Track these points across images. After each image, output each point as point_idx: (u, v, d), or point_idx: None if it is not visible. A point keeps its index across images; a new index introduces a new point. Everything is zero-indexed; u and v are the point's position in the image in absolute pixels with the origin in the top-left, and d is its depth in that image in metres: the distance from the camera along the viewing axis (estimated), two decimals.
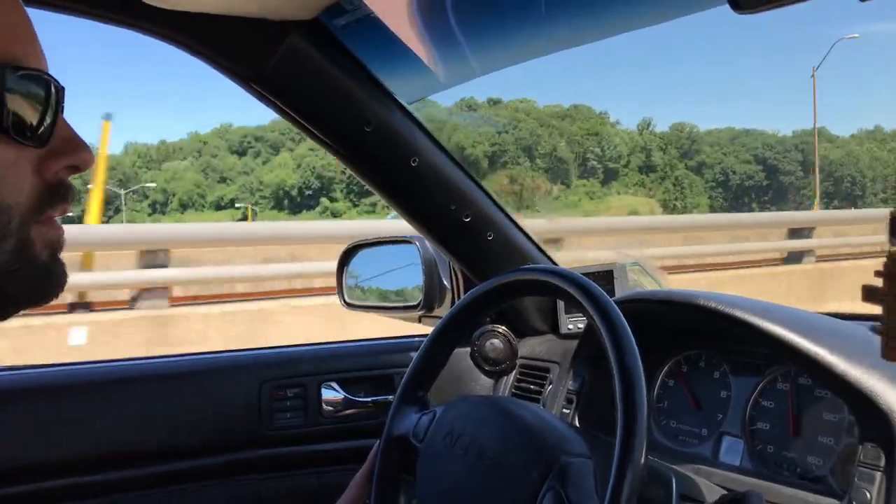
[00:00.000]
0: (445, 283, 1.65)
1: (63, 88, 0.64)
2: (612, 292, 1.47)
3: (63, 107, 0.64)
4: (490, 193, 1.40)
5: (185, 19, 1.03)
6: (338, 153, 1.25)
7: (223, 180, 72.41)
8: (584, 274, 1.49)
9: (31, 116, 0.60)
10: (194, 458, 1.51)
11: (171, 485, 1.49)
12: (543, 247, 1.53)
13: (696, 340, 1.25)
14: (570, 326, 1.53)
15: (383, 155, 1.26)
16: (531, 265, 1.03)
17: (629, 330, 0.80)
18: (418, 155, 1.27)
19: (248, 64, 1.11)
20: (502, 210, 1.43)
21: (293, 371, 1.60)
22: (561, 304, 1.55)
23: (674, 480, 0.91)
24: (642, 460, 0.72)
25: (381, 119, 1.21)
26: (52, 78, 0.63)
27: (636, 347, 0.78)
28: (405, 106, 1.26)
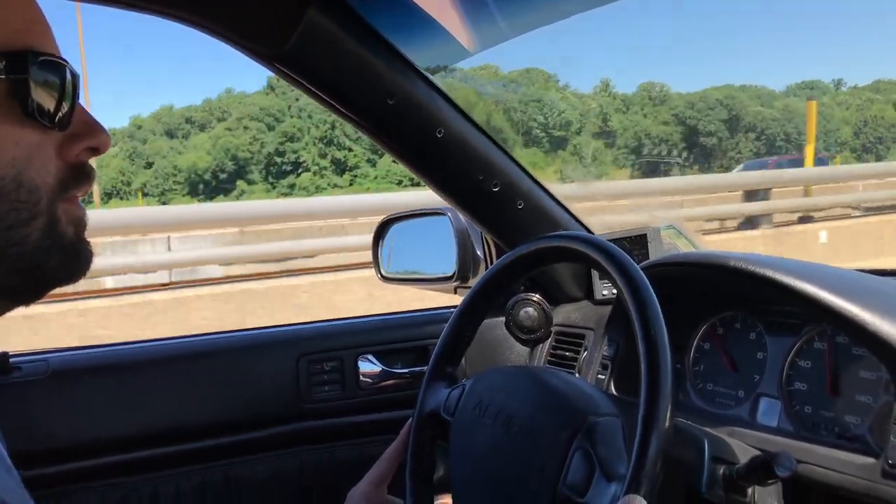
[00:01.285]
0: (479, 253, 1.65)
1: (78, 75, 0.68)
2: (645, 256, 1.46)
3: (79, 92, 0.67)
4: (518, 161, 1.39)
5: (204, 1, 1.04)
6: (362, 127, 1.25)
7: (149, 166, 68.82)
8: (617, 238, 1.50)
9: (53, 101, 0.64)
10: (237, 433, 1.55)
11: (215, 460, 1.53)
12: (575, 213, 1.52)
13: (732, 302, 1.23)
14: (605, 292, 1.52)
15: (408, 127, 1.25)
16: (555, 233, 1.02)
17: (650, 288, 0.79)
18: (443, 125, 1.27)
19: (268, 43, 1.11)
20: (532, 177, 1.42)
21: (329, 345, 1.63)
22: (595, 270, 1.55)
23: (706, 442, 0.91)
24: (668, 415, 0.72)
25: (404, 90, 1.21)
26: (69, 64, 0.66)
27: (658, 306, 0.78)
28: (428, 76, 1.25)
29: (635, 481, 0.70)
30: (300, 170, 59.99)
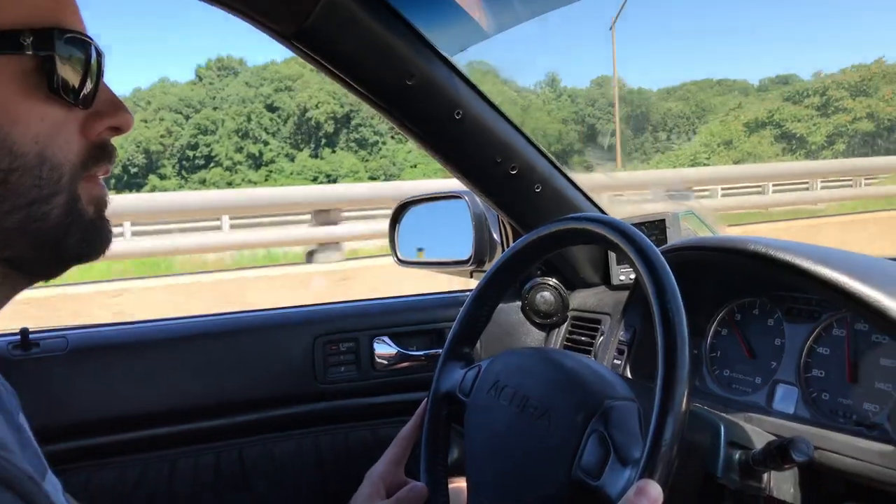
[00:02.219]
0: (495, 237, 1.65)
1: (103, 53, 0.68)
2: (664, 241, 1.45)
3: (104, 70, 0.68)
4: (537, 144, 1.38)
5: None
6: (380, 108, 1.24)
7: None
8: (636, 224, 1.49)
9: (77, 78, 0.64)
10: (253, 412, 1.56)
11: (231, 438, 1.54)
12: (593, 196, 1.51)
13: (750, 288, 1.22)
14: (622, 277, 1.52)
15: (426, 108, 1.25)
16: (573, 214, 1.01)
17: (670, 271, 0.78)
18: (462, 107, 1.26)
19: (287, 21, 1.11)
20: (550, 161, 1.41)
21: (345, 326, 1.63)
22: (613, 255, 1.54)
23: (722, 427, 0.90)
24: (684, 400, 0.71)
25: (423, 72, 1.20)
26: (94, 42, 0.67)
27: (677, 289, 0.77)
28: (447, 57, 1.24)
29: (650, 466, 0.70)
30: (211, 164, 56.26)
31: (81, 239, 0.66)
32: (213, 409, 1.53)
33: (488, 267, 1.60)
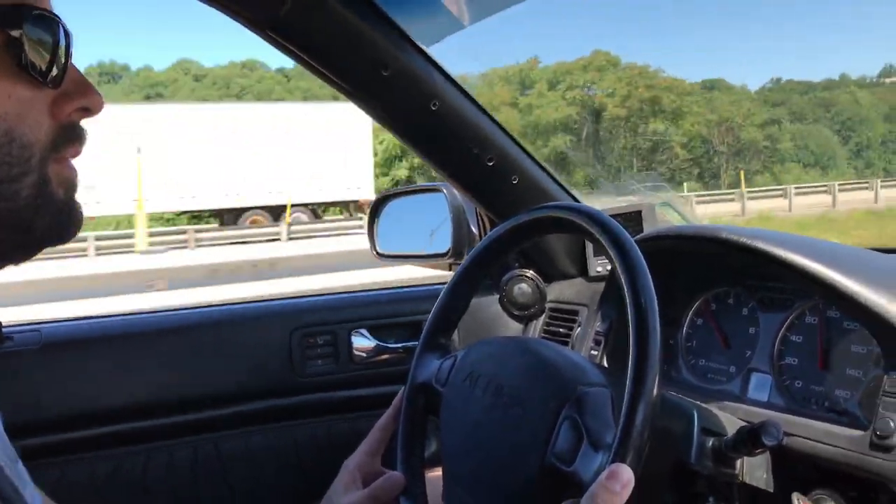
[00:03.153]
0: (474, 230, 1.65)
1: (71, 33, 0.67)
2: (640, 232, 1.46)
3: (72, 52, 0.67)
4: (513, 136, 1.38)
5: None
6: (356, 98, 1.24)
7: None
8: (612, 215, 1.49)
9: (46, 58, 0.63)
10: (230, 406, 1.55)
11: (207, 432, 1.53)
12: (571, 189, 1.52)
13: (724, 277, 1.23)
14: (599, 269, 1.52)
15: (403, 99, 1.25)
16: (547, 203, 1.02)
17: (641, 257, 0.79)
18: (438, 98, 1.26)
19: (261, 10, 1.10)
20: (526, 152, 1.41)
21: (323, 318, 1.63)
22: (590, 247, 1.54)
23: (695, 414, 0.91)
24: (655, 386, 0.72)
25: (399, 62, 1.20)
26: (63, 22, 0.66)
27: (649, 274, 0.77)
28: (423, 48, 1.24)
29: (621, 450, 0.70)
30: None
31: (52, 221, 0.66)
32: (189, 403, 1.52)
33: (466, 256, 1.61)
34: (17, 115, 0.61)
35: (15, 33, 0.60)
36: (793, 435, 0.97)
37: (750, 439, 0.85)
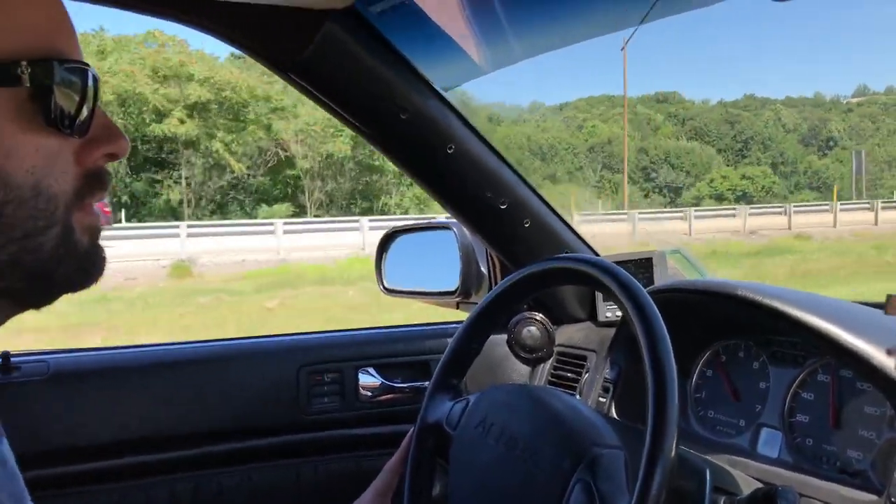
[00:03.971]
0: (483, 269, 1.65)
1: (98, 78, 0.66)
2: (650, 280, 1.46)
3: (100, 97, 0.66)
4: (527, 180, 1.39)
5: (222, 9, 1.04)
6: (374, 140, 1.25)
7: None
8: (622, 262, 1.50)
9: (74, 107, 0.62)
10: (235, 441, 1.54)
11: (210, 467, 1.52)
12: (583, 235, 1.52)
13: (736, 330, 1.23)
14: (609, 314, 1.52)
15: (419, 142, 1.26)
16: (564, 254, 1.02)
17: (661, 319, 0.79)
18: (454, 142, 1.27)
19: (285, 53, 1.11)
20: (540, 197, 1.42)
21: (330, 356, 1.62)
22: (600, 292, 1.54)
23: (708, 473, 0.90)
24: (672, 453, 0.71)
25: (417, 106, 1.21)
26: (91, 68, 0.65)
27: (668, 337, 0.77)
28: (441, 93, 1.25)
29: None
30: None
31: (76, 269, 0.65)
32: (194, 438, 1.51)
33: (475, 298, 1.61)
34: (44, 167, 0.60)
35: (43, 86, 0.59)
36: (805, 496, 0.97)
37: (765, 502, 0.84)
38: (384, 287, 1.86)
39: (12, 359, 1.38)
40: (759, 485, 0.96)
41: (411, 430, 1.08)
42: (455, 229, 1.68)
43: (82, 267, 0.66)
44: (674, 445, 0.72)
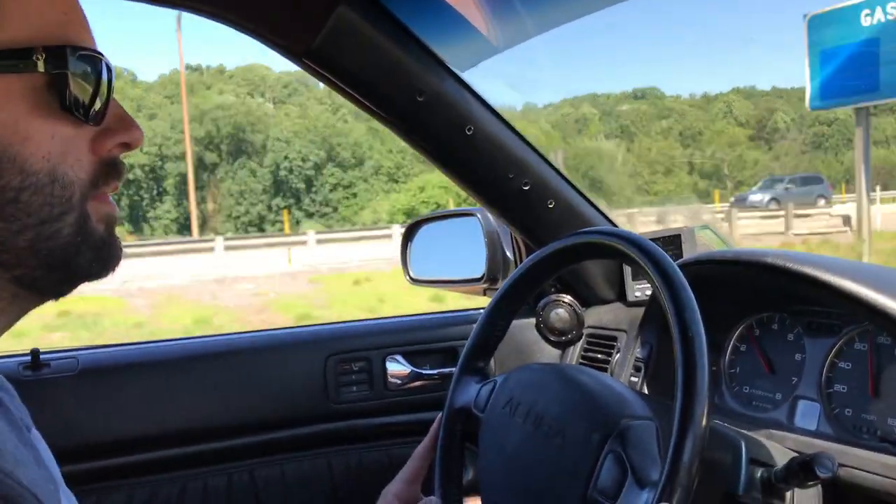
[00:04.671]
0: (508, 254, 1.64)
1: (113, 69, 0.67)
2: (680, 256, 1.43)
3: (114, 86, 0.67)
4: (549, 160, 1.37)
5: None
6: (391, 124, 1.24)
7: None
8: (652, 238, 1.47)
9: (88, 95, 0.63)
10: (265, 433, 1.55)
11: (243, 459, 1.53)
12: (608, 212, 1.50)
13: (769, 302, 1.20)
14: (638, 293, 1.50)
15: (437, 124, 1.24)
16: (588, 228, 1.00)
17: (688, 285, 0.77)
18: (473, 123, 1.25)
19: (298, 39, 1.11)
20: (563, 176, 1.40)
21: (357, 345, 1.62)
22: (628, 271, 1.52)
23: (743, 445, 0.88)
24: (704, 421, 0.69)
25: (434, 88, 1.20)
26: (105, 58, 0.66)
27: (695, 303, 0.75)
28: (457, 73, 1.24)
29: (668, 489, 0.68)
30: None
31: (93, 257, 0.66)
32: (225, 430, 1.52)
33: (502, 284, 1.59)
34: (59, 154, 0.61)
35: (58, 73, 0.60)
36: (844, 466, 0.94)
37: (802, 471, 0.81)
38: (410, 277, 1.85)
39: (42, 355, 1.40)
40: (797, 455, 0.94)
41: (439, 415, 1.07)
42: (479, 215, 1.67)
43: (99, 256, 0.66)
44: (705, 413, 0.70)
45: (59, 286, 0.67)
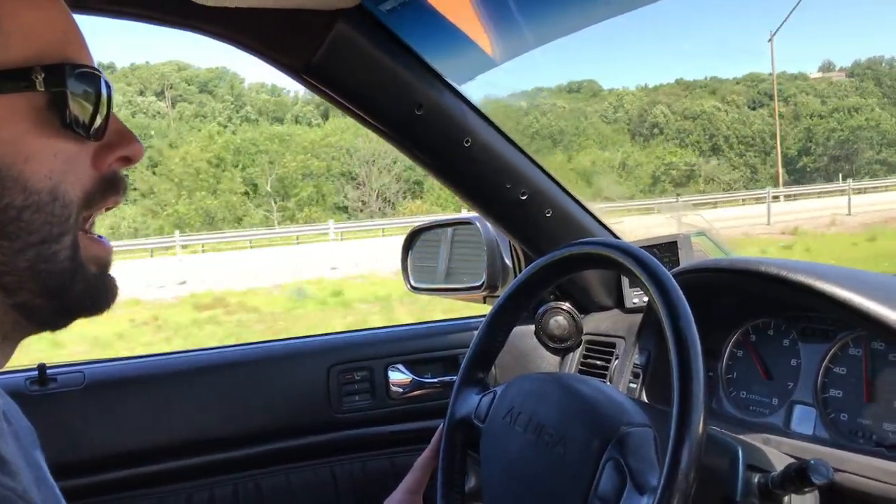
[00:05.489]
0: (507, 262, 1.65)
1: (111, 85, 0.68)
2: (676, 263, 1.45)
3: (113, 102, 0.68)
4: (546, 170, 1.39)
5: (234, 16, 1.05)
6: (390, 138, 1.26)
7: None
8: (647, 246, 1.49)
9: (89, 112, 0.64)
10: (269, 443, 1.56)
11: (248, 469, 1.54)
12: (604, 221, 1.51)
13: (764, 308, 1.21)
14: (636, 300, 1.51)
15: (436, 137, 1.26)
16: (584, 239, 1.02)
17: (682, 293, 0.78)
18: (471, 135, 1.27)
19: (297, 56, 1.12)
20: (560, 186, 1.42)
21: (359, 354, 1.64)
22: (626, 278, 1.54)
23: (740, 451, 0.89)
24: (700, 427, 0.71)
25: (432, 101, 1.21)
26: (103, 75, 0.67)
27: (690, 312, 0.77)
28: (455, 87, 1.25)
29: (667, 493, 0.70)
30: None
31: (85, 291, 0.66)
32: (229, 441, 1.53)
33: (501, 292, 1.61)
34: (61, 172, 0.62)
35: (58, 92, 0.61)
36: (840, 471, 0.95)
37: (798, 477, 0.83)
38: (411, 286, 1.86)
39: (48, 370, 1.41)
40: (794, 461, 0.95)
41: (440, 426, 1.08)
42: (478, 223, 1.68)
43: (91, 292, 0.66)
44: (701, 420, 0.71)
45: (56, 318, 0.67)
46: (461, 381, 1.09)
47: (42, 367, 1.41)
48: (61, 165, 0.62)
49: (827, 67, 54.44)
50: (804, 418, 1.10)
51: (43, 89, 0.60)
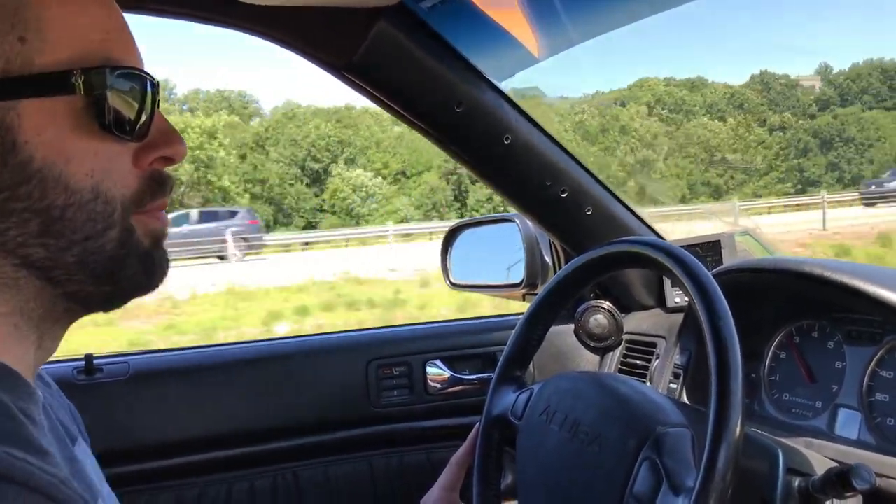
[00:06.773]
0: (547, 260, 1.65)
1: (158, 84, 0.68)
2: (719, 262, 1.43)
3: (158, 101, 0.68)
4: (587, 167, 1.38)
5: (278, 14, 1.07)
6: (430, 135, 1.26)
7: None
8: (690, 245, 1.48)
9: (131, 112, 0.64)
10: (309, 436, 1.58)
11: (287, 461, 1.56)
12: (647, 219, 1.50)
13: (808, 310, 1.19)
14: (678, 299, 1.49)
15: (476, 134, 1.26)
16: (623, 237, 1.01)
17: (721, 294, 0.77)
18: (511, 132, 1.27)
19: (339, 53, 1.13)
20: (601, 183, 1.41)
21: (398, 350, 1.65)
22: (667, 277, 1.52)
23: (780, 454, 0.88)
24: (738, 429, 0.70)
25: (472, 98, 1.22)
26: (148, 74, 0.66)
27: (729, 312, 0.76)
28: (495, 84, 1.25)
29: (703, 495, 0.69)
30: None
31: (138, 270, 0.66)
32: (269, 433, 1.56)
33: (541, 289, 1.61)
34: (103, 171, 0.62)
35: (98, 94, 0.61)
36: (886, 476, 0.93)
37: (839, 482, 0.81)
38: (451, 282, 1.87)
39: (95, 360, 1.45)
40: (835, 465, 0.93)
41: (477, 424, 1.09)
42: (518, 221, 1.68)
43: (144, 268, 0.67)
44: (739, 421, 0.70)
45: (109, 300, 0.67)
46: (498, 379, 1.09)
47: (89, 357, 1.45)
48: (102, 164, 0.62)
49: None
50: (849, 422, 1.08)
51: (82, 93, 0.60)
